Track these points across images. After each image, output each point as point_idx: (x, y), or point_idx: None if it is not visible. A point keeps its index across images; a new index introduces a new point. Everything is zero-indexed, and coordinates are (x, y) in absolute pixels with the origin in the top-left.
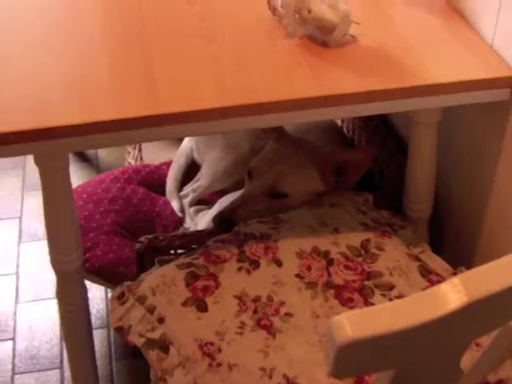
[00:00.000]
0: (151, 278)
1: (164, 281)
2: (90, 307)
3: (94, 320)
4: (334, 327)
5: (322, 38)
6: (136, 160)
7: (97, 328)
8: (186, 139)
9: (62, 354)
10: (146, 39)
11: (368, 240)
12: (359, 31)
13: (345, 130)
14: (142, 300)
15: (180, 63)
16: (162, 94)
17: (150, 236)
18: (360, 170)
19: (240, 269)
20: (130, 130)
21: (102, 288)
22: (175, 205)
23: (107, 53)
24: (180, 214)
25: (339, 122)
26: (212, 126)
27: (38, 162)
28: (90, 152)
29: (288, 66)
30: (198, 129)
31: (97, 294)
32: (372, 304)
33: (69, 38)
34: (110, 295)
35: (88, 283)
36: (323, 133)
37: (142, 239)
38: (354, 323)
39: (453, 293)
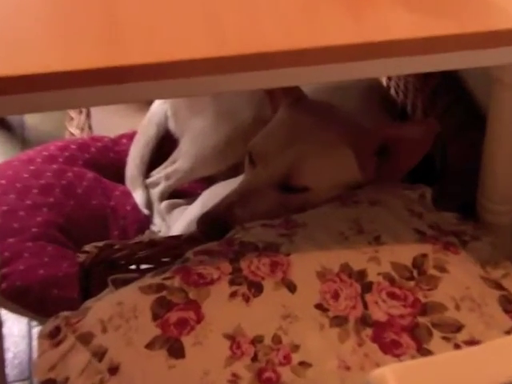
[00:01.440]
0: (101, 307)
1: (120, 311)
2: (6, 349)
3: (11, 369)
4: None
5: None
6: (82, 130)
7: (14, 381)
8: (159, 101)
9: None
10: None
11: (424, 256)
12: None
13: (393, 92)
14: (86, 339)
15: None
16: (129, 37)
17: (101, 243)
18: (416, 154)
19: (234, 295)
20: (78, 88)
21: (25, 320)
22: (139, 197)
23: None
24: (146, 211)
25: (385, 81)
26: (201, 84)
27: None
28: (14, 117)
29: (313, 0)
30: (180, 88)
31: (15, 330)
32: (429, 352)
33: None
34: (37, 331)
35: (3, 312)
36: (361, 96)
37: (88, 248)
38: (403, 380)
39: None
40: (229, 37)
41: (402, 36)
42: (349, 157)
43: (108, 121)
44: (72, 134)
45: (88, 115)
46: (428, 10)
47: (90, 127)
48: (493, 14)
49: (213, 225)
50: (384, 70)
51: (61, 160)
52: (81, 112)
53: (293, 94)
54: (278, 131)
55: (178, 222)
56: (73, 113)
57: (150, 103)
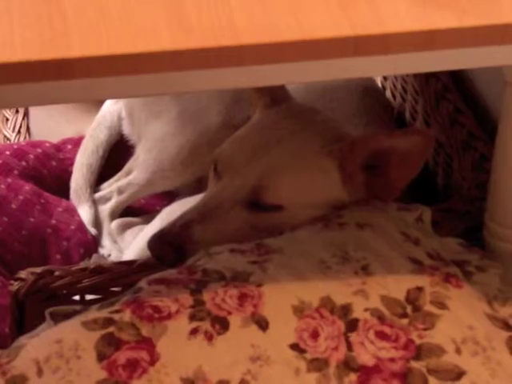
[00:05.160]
0: (37, 345)
1: (59, 350)
2: None
3: None
4: None
5: None
6: (19, 133)
7: None
8: (111, 99)
9: None
10: None
11: (420, 289)
12: None
13: (389, 94)
14: (18, 383)
15: None
16: (74, 26)
17: (39, 269)
18: (411, 168)
19: (194, 332)
20: (12, 84)
21: None
22: (86, 214)
23: None
24: (94, 231)
25: (379, 81)
26: (159, 81)
27: None
28: None
29: None
30: (134, 86)
31: None
32: None
33: None
34: None
35: None
36: (351, 98)
37: (23, 274)
38: None
39: None
40: (193, 27)
41: (398, 29)
42: (331, 170)
43: (50, 123)
44: (6, 138)
45: (26, 115)
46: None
47: (27, 130)
48: (505, 3)
49: (166, 247)
50: (376, 69)
51: None
52: (17, 111)
53: (272, 94)
54: (250, 138)
55: (132, 244)
56: (7, 112)
57: (100, 103)
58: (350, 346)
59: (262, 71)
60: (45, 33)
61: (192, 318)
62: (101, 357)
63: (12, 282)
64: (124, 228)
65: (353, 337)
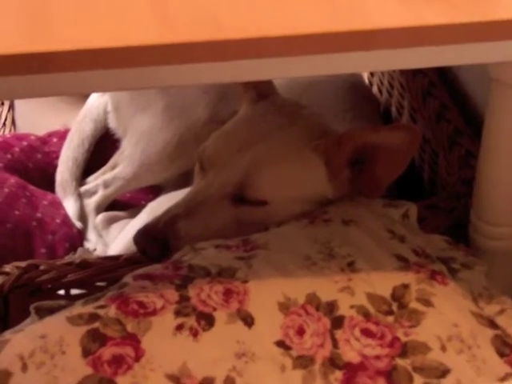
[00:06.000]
0: (21, 340)
1: (44, 345)
2: None
3: None
4: None
5: None
6: (4, 125)
7: None
8: (97, 93)
9: None
10: None
11: (406, 286)
12: None
13: (375, 90)
14: (2, 379)
15: None
16: (57, 18)
17: (23, 263)
18: (397, 164)
19: (180, 328)
20: None
21: None
22: (71, 207)
23: None
24: (79, 224)
25: (366, 77)
26: (144, 75)
27: None
28: None
29: None
30: (119, 80)
31: None
32: None
33: None
34: None
35: None
36: (337, 94)
37: (7, 268)
38: None
39: None
40: (178, 21)
41: (385, 25)
42: (316, 165)
43: (35, 116)
44: None
45: (11, 108)
46: None
47: (13, 123)
48: (493, 1)
49: (151, 242)
50: (363, 65)
51: None
52: (2, 104)
53: (258, 89)
54: (235, 132)
55: (118, 239)
56: None
57: (85, 96)
58: (335, 343)
59: (246, 66)
60: (28, 26)
61: (177, 313)
62: (86, 352)
63: None
64: (109, 222)
65: (338, 334)
